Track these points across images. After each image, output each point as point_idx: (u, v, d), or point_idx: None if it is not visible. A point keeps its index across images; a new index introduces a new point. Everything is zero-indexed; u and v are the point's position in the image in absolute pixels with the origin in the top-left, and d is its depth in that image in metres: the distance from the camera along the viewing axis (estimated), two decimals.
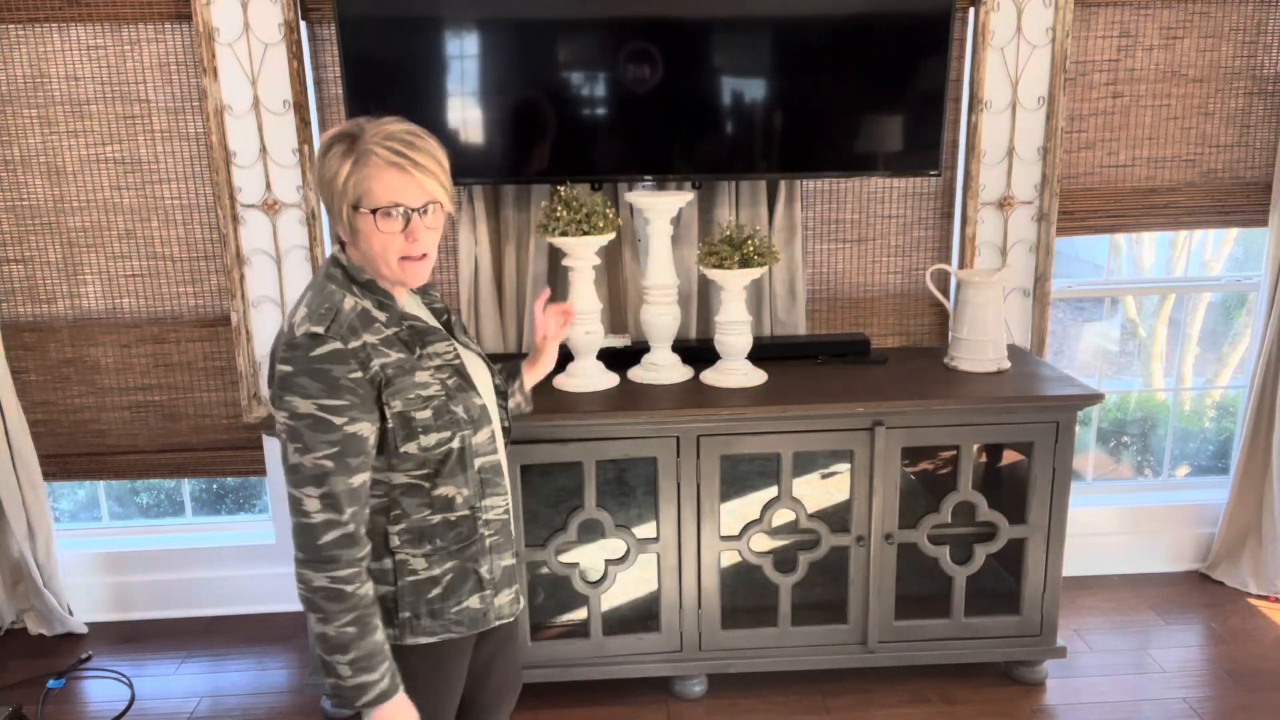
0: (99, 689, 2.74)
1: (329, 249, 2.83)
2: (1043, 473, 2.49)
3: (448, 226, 2.83)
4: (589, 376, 2.56)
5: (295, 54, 2.63)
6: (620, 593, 2.67)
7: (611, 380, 2.59)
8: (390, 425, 1.44)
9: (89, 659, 2.86)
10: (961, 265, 2.89)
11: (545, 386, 2.57)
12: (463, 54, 2.55)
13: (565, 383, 2.56)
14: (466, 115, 2.58)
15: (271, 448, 2.93)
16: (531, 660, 2.53)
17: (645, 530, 2.54)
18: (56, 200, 2.77)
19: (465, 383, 1.52)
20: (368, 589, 1.42)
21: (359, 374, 1.41)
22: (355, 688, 1.41)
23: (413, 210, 1.42)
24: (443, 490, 1.50)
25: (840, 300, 2.97)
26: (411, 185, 1.42)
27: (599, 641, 2.55)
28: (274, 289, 2.80)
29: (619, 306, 2.87)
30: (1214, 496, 3.23)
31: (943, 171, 2.72)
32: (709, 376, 2.59)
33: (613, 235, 2.49)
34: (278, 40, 2.63)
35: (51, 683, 2.74)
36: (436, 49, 2.53)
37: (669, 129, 2.61)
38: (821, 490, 2.78)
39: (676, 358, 2.64)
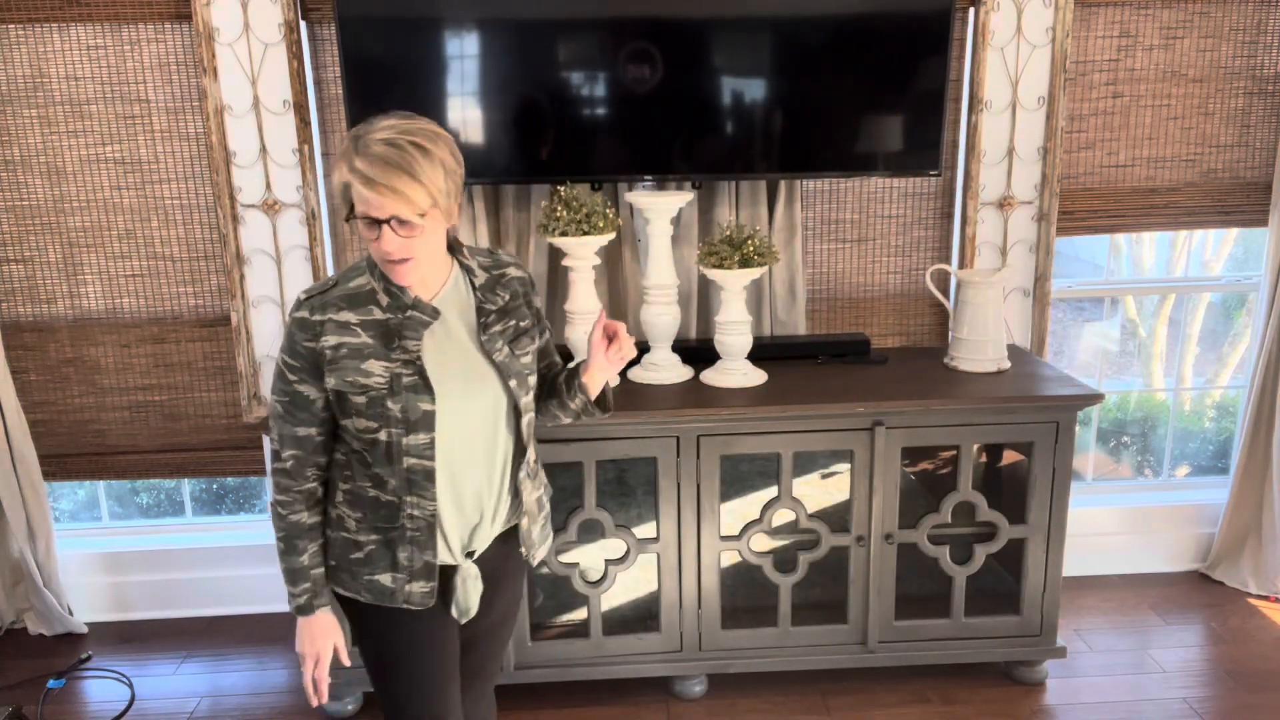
0: (99, 689, 2.74)
1: (329, 249, 2.83)
2: (1043, 473, 2.49)
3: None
4: None
5: (295, 54, 2.63)
6: (620, 593, 2.67)
7: (611, 381, 2.59)
8: (331, 397, 1.58)
9: (89, 659, 2.86)
10: (961, 265, 2.88)
11: None
12: (463, 54, 2.55)
13: None
14: (466, 115, 2.58)
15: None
16: (531, 660, 2.53)
17: (645, 530, 2.54)
18: (56, 200, 2.77)
19: (421, 385, 1.55)
20: (300, 517, 1.63)
21: (310, 344, 1.55)
22: (287, 594, 1.66)
23: (382, 220, 1.47)
24: (378, 470, 1.60)
25: (840, 300, 2.97)
26: (377, 201, 1.45)
27: (599, 641, 2.55)
28: (274, 289, 2.80)
29: (619, 306, 2.87)
30: (1214, 496, 3.23)
31: (943, 171, 2.72)
32: (709, 376, 2.59)
33: (613, 235, 2.49)
34: (278, 40, 2.63)
35: (51, 683, 2.74)
36: (436, 49, 2.53)
37: (669, 129, 2.61)
38: (821, 490, 2.78)
39: (676, 358, 2.64)
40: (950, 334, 2.75)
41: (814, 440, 2.46)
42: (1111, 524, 3.20)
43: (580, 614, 2.62)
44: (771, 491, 2.52)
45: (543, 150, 2.61)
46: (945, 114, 2.64)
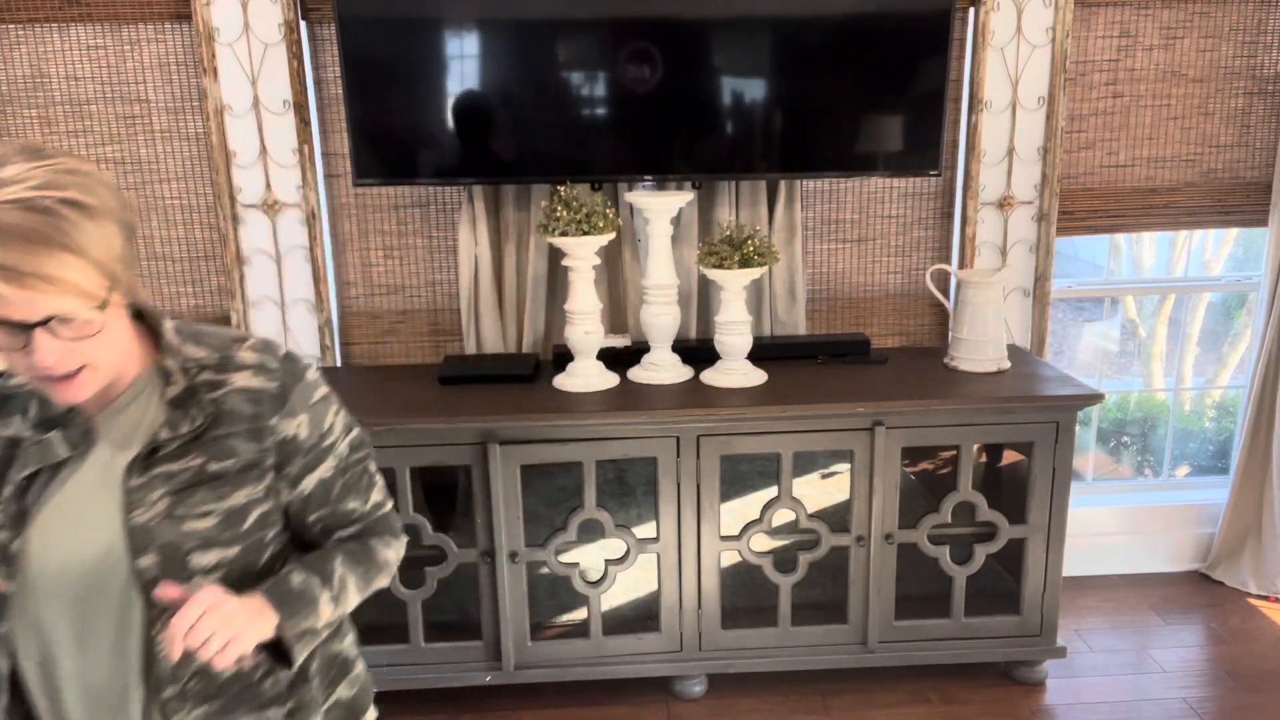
0: None
1: (329, 249, 2.83)
2: (1043, 473, 2.49)
3: (443, 228, 2.83)
4: (589, 376, 2.56)
5: (295, 54, 2.63)
6: (620, 593, 2.67)
7: (611, 380, 2.59)
8: None
9: None
10: (961, 265, 2.88)
11: (545, 386, 2.57)
12: (463, 54, 2.55)
13: (565, 383, 2.56)
14: (466, 115, 2.58)
15: None
16: (531, 660, 2.53)
17: (645, 530, 2.54)
18: None
19: (12, 535, 1.08)
20: None
21: None
22: None
23: (31, 325, 0.97)
24: None
25: (840, 300, 2.97)
26: (22, 298, 0.95)
27: (599, 641, 2.54)
28: (274, 289, 2.80)
29: (619, 306, 2.87)
30: (1214, 496, 3.23)
31: (943, 171, 2.72)
32: (709, 376, 2.59)
33: (613, 235, 2.49)
34: (278, 40, 2.63)
35: None
36: (436, 49, 2.53)
37: (669, 129, 2.61)
38: (821, 490, 2.78)
39: (676, 358, 2.64)
40: (950, 334, 2.75)
41: (814, 440, 2.46)
42: (1111, 524, 3.20)
43: (580, 614, 2.62)
44: (771, 491, 2.52)
45: (542, 150, 2.61)
46: (945, 114, 2.64)
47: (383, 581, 1.28)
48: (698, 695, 2.62)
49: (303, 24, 2.66)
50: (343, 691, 1.29)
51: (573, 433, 2.40)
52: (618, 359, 2.68)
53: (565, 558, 2.52)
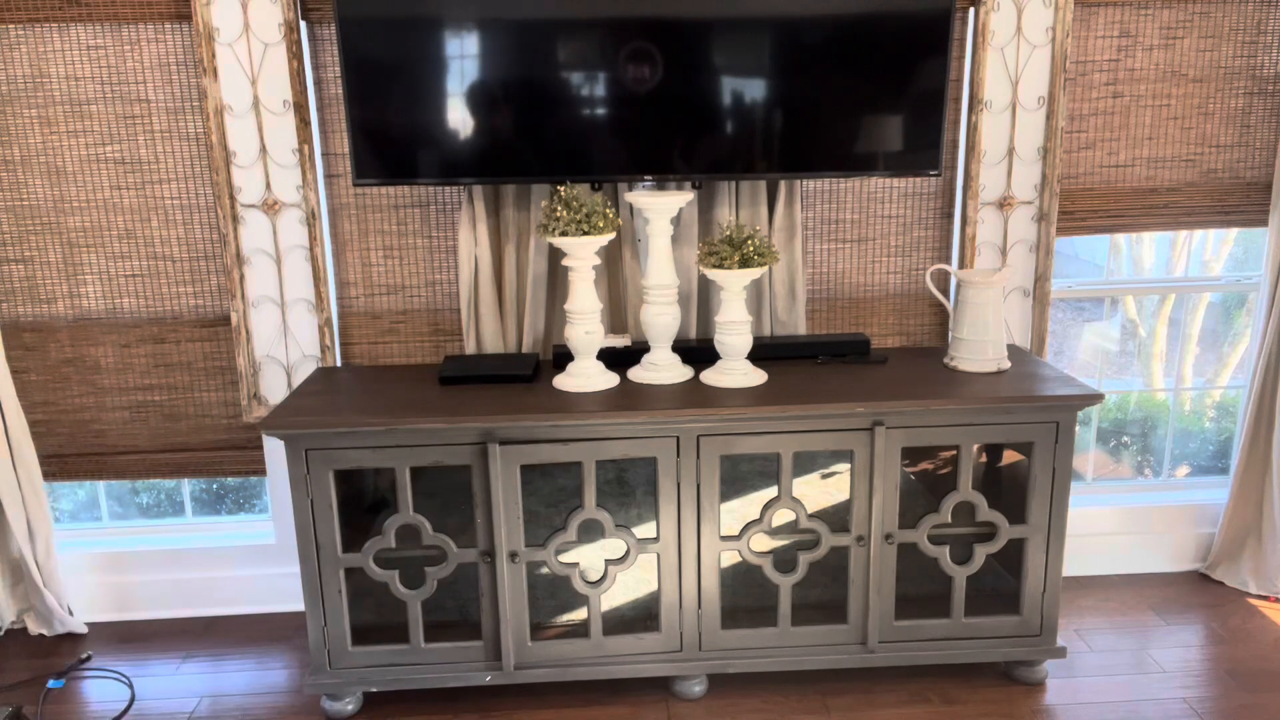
0: (99, 689, 2.74)
1: (329, 249, 2.83)
2: (1043, 473, 2.49)
3: (443, 228, 2.83)
4: (589, 376, 2.56)
5: (295, 54, 2.63)
6: (620, 593, 2.67)
7: (611, 380, 2.59)
8: None
9: (89, 659, 2.86)
10: (961, 265, 2.89)
11: (545, 386, 2.57)
12: (463, 54, 2.55)
13: (565, 383, 2.56)
14: (466, 115, 2.58)
15: (272, 447, 2.93)
16: (531, 660, 2.54)
17: (645, 530, 2.54)
18: (56, 200, 2.77)
19: None
20: None
21: None
22: None
23: None
24: None
25: (840, 300, 2.97)
26: None
27: (599, 641, 2.55)
28: (274, 289, 2.80)
29: (619, 306, 2.87)
30: (1214, 496, 3.23)
31: (943, 171, 2.72)
32: (709, 376, 2.59)
33: (613, 235, 2.50)
34: (278, 40, 2.63)
35: (51, 683, 2.74)
36: (436, 49, 2.53)
37: (669, 129, 2.61)
38: (821, 490, 2.78)
39: (676, 358, 2.64)
40: (950, 334, 2.75)
41: (814, 440, 2.46)
42: (1111, 524, 3.20)
43: (580, 614, 2.62)
44: (771, 491, 2.52)
45: (542, 150, 2.61)
46: (945, 114, 2.64)
47: None
48: (698, 695, 2.62)
49: (303, 24, 2.67)
50: None
51: (573, 433, 2.40)
52: (618, 359, 2.69)
53: (565, 558, 2.52)
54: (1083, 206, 2.93)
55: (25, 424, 2.82)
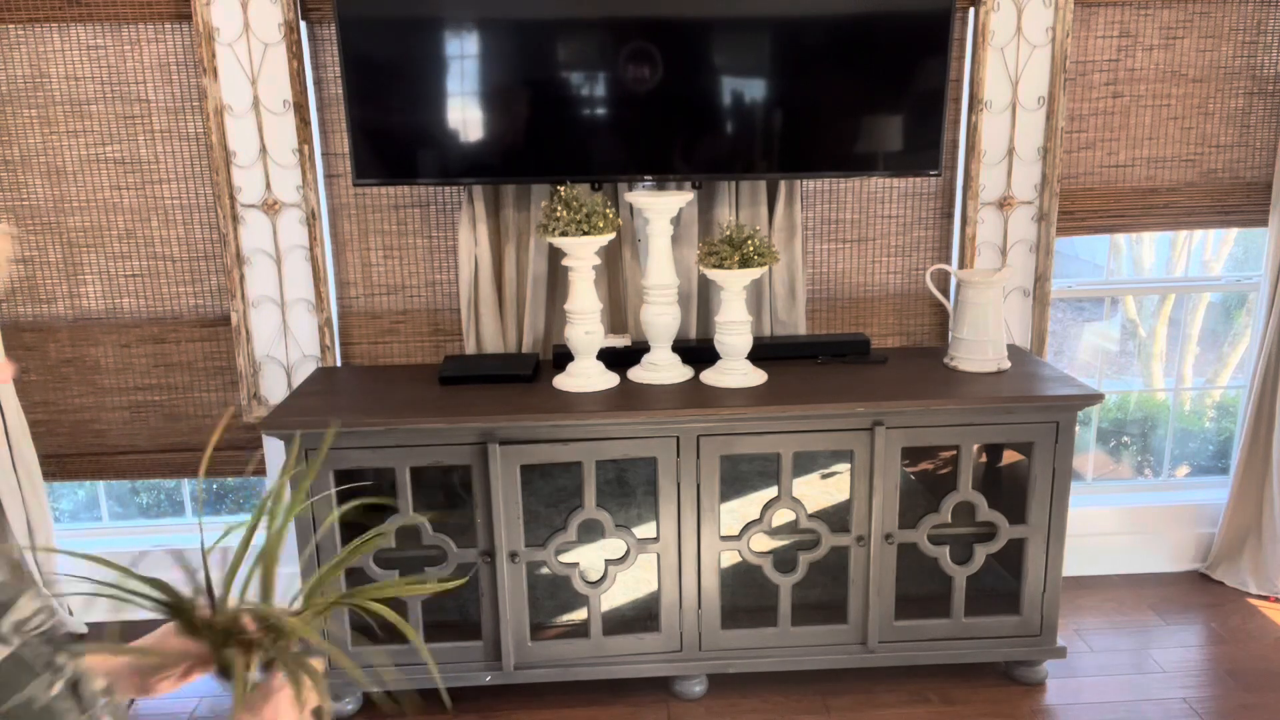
0: None
1: (329, 249, 2.83)
2: (1043, 473, 2.49)
3: (443, 228, 2.83)
4: (589, 376, 2.56)
5: (295, 54, 2.63)
6: (620, 593, 2.67)
7: (611, 380, 2.59)
8: None
9: None
10: (961, 265, 2.88)
11: (545, 386, 2.57)
12: (463, 54, 2.55)
13: (565, 383, 2.56)
14: (466, 115, 2.58)
15: (272, 447, 2.93)
16: (531, 660, 2.53)
17: (645, 530, 2.54)
18: (56, 200, 2.77)
19: None
20: None
21: None
22: None
23: None
24: None
25: (840, 300, 2.97)
26: None
27: (599, 641, 2.54)
28: (274, 289, 2.80)
29: (619, 306, 2.87)
30: (1214, 496, 3.23)
31: (943, 171, 2.72)
32: (709, 376, 2.59)
33: (613, 235, 2.49)
34: (278, 40, 2.63)
35: None
36: (436, 49, 2.53)
37: (669, 129, 2.61)
38: (821, 490, 2.78)
39: (676, 358, 2.64)
40: (950, 334, 2.75)
41: (814, 440, 2.46)
42: (1111, 524, 3.20)
43: (580, 614, 2.62)
44: (771, 491, 2.52)
45: (543, 150, 2.61)
46: (945, 114, 2.64)
47: None
48: (698, 695, 2.62)
49: (303, 24, 2.66)
50: None
51: (573, 433, 2.39)
52: (618, 359, 2.68)
53: (565, 558, 2.52)
54: (1083, 206, 2.93)
55: (25, 424, 2.82)
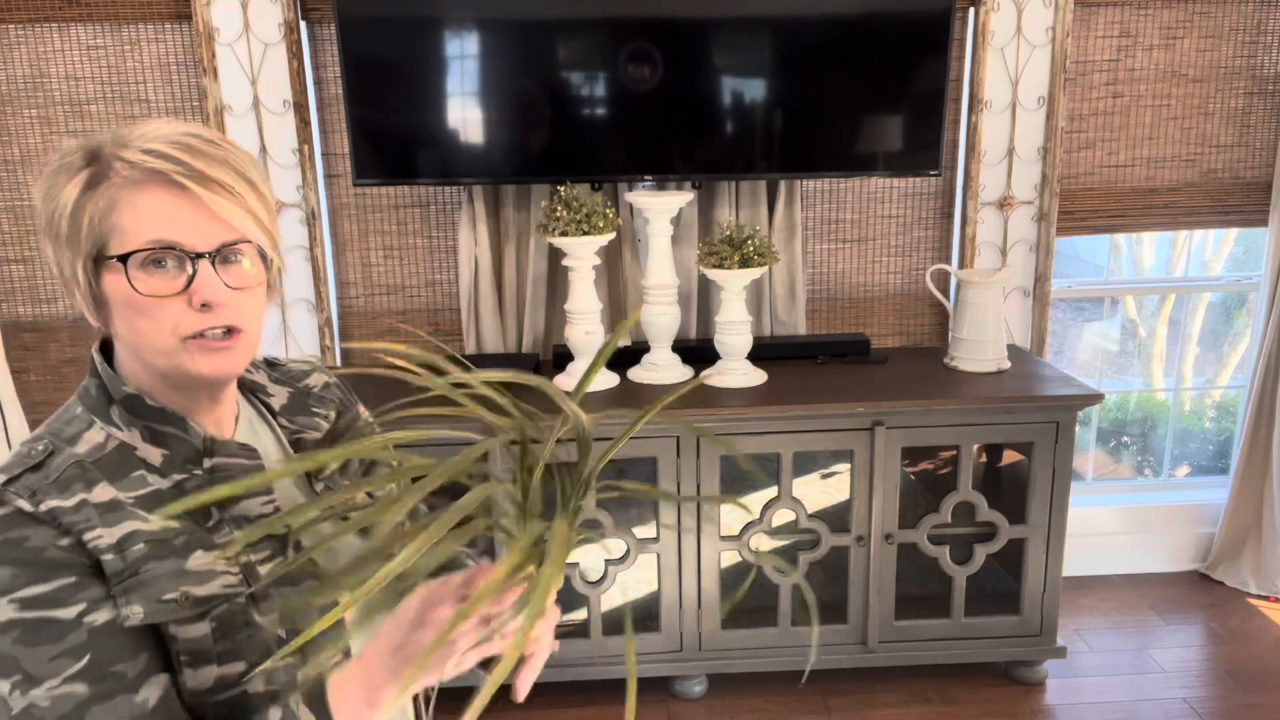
0: None
1: (329, 249, 2.83)
2: (1043, 473, 2.49)
3: (443, 228, 2.83)
4: None
5: (295, 54, 2.63)
6: (620, 593, 2.67)
7: (611, 380, 2.59)
8: None
9: None
10: (961, 265, 2.88)
11: None
12: (463, 54, 2.55)
13: (565, 383, 2.56)
14: (466, 115, 2.58)
15: None
16: None
17: (645, 530, 2.54)
18: None
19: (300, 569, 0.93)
20: None
21: (66, 543, 0.84)
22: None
23: (199, 255, 0.86)
24: None
25: (840, 300, 2.97)
26: (193, 211, 0.85)
27: (599, 641, 2.54)
28: None
29: (619, 306, 2.87)
30: (1214, 496, 3.23)
31: (943, 171, 2.72)
32: (709, 376, 2.59)
33: (613, 235, 2.49)
34: (278, 40, 2.63)
35: None
36: (436, 49, 2.53)
37: (669, 129, 2.61)
38: (821, 490, 2.78)
39: (676, 358, 2.64)
40: (950, 334, 2.75)
41: (814, 440, 2.46)
42: (1111, 524, 3.20)
43: (580, 614, 2.62)
44: (771, 491, 2.52)
45: (543, 150, 2.61)
46: (945, 114, 2.64)
47: None
48: (698, 695, 2.62)
49: (303, 24, 2.66)
50: None
51: (573, 433, 2.39)
52: (618, 359, 2.68)
53: None
54: (1083, 206, 2.93)
55: (25, 424, 2.82)
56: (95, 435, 0.90)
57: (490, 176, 2.65)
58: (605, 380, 2.57)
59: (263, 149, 2.70)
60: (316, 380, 1.11)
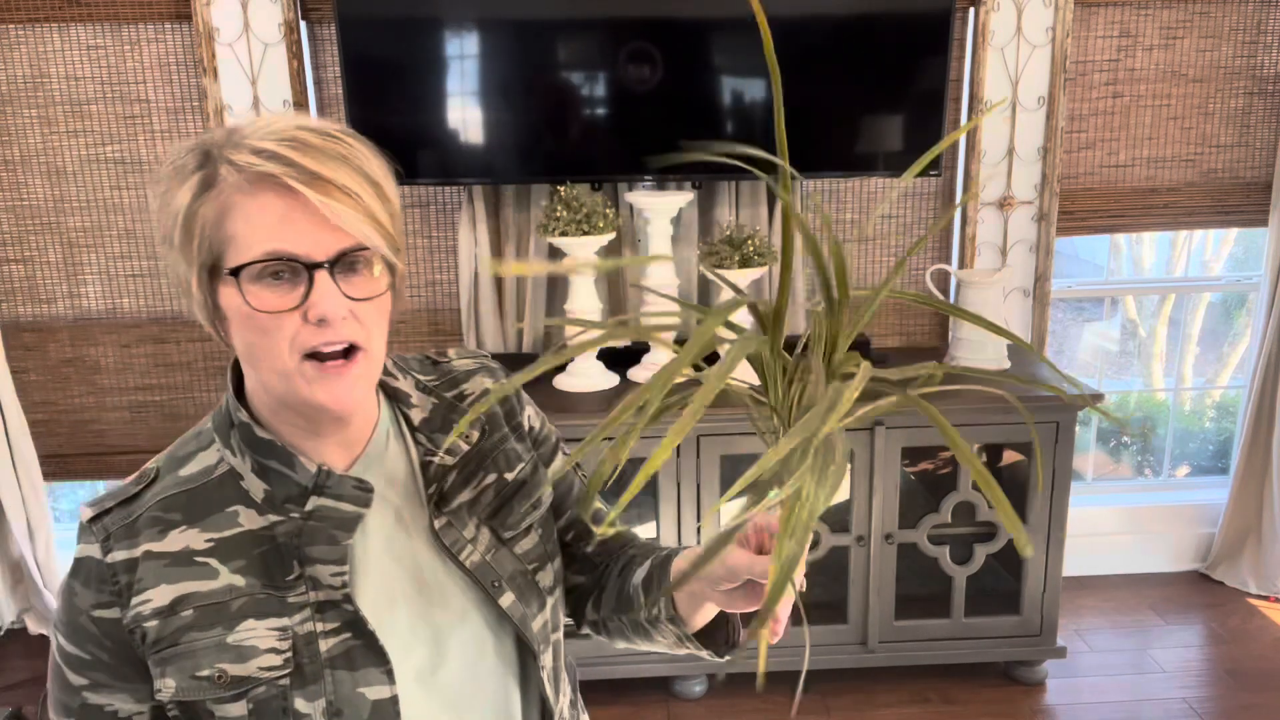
0: None
1: None
2: (1043, 473, 2.49)
3: (443, 228, 2.83)
4: (589, 376, 2.56)
5: (295, 54, 2.63)
6: None
7: (611, 380, 2.59)
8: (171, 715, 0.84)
9: None
10: (961, 265, 2.88)
11: (546, 386, 2.57)
12: (463, 54, 2.55)
13: (565, 383, 2.56)
14: (466, 115, 2.58)
15: None
16: None
17: (645, 530, 2.54)
18: (56, 200, 2.77)
19: (363, 651, 0.85)
20: None
21: (111, 614, 0.82)
22: None
23: (316, 265, 0.79)
24: None
25: None
26: (307, 217, 0.78)
27: (599, 641, 2.54)
28: None
29: (619, 307, 2.87)
30: (1214, 496, 3.23)
31: (943, 171, 2.72)
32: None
33: (612, 235, 2.49)
34: (278, 40, 2.63)
35: None
36: (436, 49, 2.53)
37: (669, 129, 2.61)
38: None
39: None
40: (950, 334, 2.75)
41: None
42: (1111, 524, 3.20)
43: None
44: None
45: (543, 150, 2.61)
46: (945, 114, 2.64)
47: None
48: (698, 695, 2.62)
49: (303, 24, 2.66)
50: None
51: (573, 433, 2.39)
52: (618, 359, 2.68)
53: None
54: (1083, 206, 2.93)
55: (25, 424, 2.82)
56: (209, 457, 0.89)
57: (490, 177, 2.65)
58: (605, 380, 2.57)
59: None
60: (475, 387, 0.98)
